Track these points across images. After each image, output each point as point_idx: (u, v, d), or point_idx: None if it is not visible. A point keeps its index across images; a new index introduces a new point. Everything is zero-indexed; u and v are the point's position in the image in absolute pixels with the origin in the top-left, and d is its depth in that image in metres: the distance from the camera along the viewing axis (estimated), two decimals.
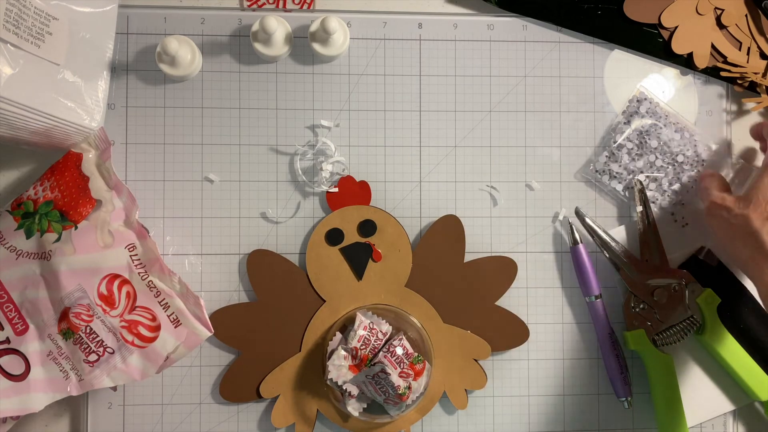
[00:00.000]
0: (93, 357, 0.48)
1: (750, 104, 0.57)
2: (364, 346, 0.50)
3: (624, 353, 0.55)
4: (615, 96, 0.57)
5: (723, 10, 0.56)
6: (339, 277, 0.54)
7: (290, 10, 0.55)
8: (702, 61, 0.56)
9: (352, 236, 0.54)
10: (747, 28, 0.57)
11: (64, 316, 0.48)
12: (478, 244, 0.55)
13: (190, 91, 0.54)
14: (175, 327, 0.49)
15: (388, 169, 0.55)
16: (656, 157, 0.55)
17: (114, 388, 0.52)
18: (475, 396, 0.55)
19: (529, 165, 0.56)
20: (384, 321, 0.52)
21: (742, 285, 0.55)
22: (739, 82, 0.57)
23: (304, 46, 0.55)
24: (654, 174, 0.55)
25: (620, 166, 0.55)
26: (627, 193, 0.56)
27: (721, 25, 0.57)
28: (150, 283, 0.49)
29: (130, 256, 0.49)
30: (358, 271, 0.54)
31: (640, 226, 0.55)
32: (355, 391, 0.51)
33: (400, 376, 0.50)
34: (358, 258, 0.54)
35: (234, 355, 0.54)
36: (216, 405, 0.54)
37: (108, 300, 0.49)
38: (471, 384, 0.54)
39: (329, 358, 0.51)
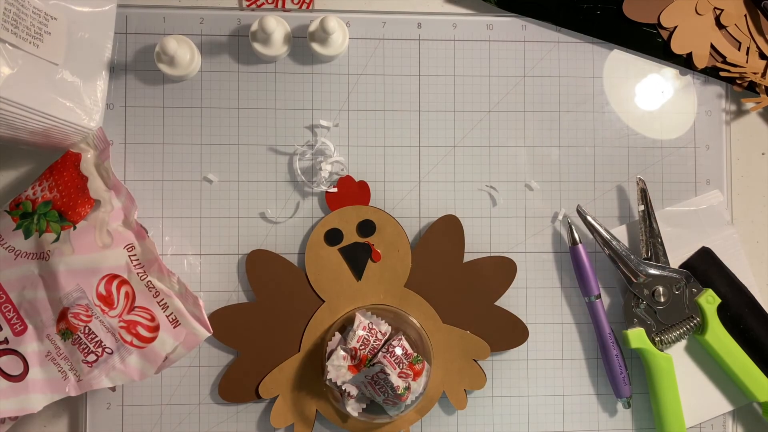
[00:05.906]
0: (92, 357, 0.48)
1: (749, 104, 0.57)
2: (363, 347, 0.50)
3: (623, 353, 0.55)
4: (614, 96, 0.57)
5: (722, 10, 0.56)
6: (338, 277, 0.53)
7: (289, 10, 0.55)
8: (701, 61, 0.56)
9: (351, 236, 0.54)
10: (746, 28, 0.57)
11: (62, 316, 0.48)
12: (477, 244, 0.55)
13: (189, 91, 0.54)
14: (174, 327, 0.49)
15: (387, 169, 0.55)
16: None
17: (113, 389, 0.52)
18: (475, 396, 0.55)
19: (529, 165, 0.56)
20: (383, 321, 0.52)
21: (742, 285, 0.55)
22: (738, 82, 0.57)
23: (303, 45, 0.55)
24: None
25: None
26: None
27: (720, 25, 0.57)
28: (149, 283, 0.49)
29: (129, 256, 0.49)
30: (358, 272, 0.54)
31: (641, 226, 0.55)
32: (354, 391, 0.50)
33: (400, 377, 0.49)
34: (357, 258, 0.53)
35: (233, 355, 0.54)
36: (215, 405, 0.54)
37: (107, 300, 0.49)
38: (470, 384, 0.54)
39: (328, 358, 0.50)
